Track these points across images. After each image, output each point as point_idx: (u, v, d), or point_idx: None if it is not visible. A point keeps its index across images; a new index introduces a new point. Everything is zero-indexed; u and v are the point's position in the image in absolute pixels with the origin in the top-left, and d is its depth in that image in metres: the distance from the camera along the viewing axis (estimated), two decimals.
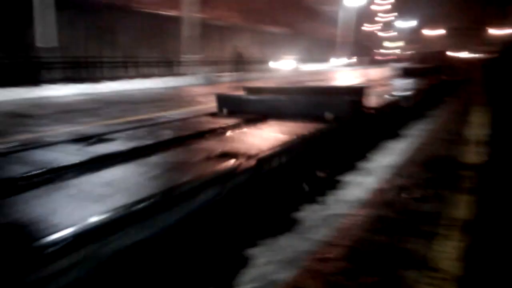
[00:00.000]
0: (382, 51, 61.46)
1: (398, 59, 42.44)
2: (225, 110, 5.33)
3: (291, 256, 3.14)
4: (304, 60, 33.73)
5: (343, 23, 40.77)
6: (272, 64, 30.53)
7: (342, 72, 29.68)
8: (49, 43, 14.38)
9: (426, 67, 16.43)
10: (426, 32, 72.20)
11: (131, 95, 12.30)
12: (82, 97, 11.22)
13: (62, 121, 7.10)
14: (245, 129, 4.23)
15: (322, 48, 44.68)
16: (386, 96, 7.14)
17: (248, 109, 5.12)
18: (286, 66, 30.41)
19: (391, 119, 6.96)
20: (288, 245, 3.40)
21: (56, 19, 14.98)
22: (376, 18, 61.01)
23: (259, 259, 3.22)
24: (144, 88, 14.04)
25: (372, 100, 5.77)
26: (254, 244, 3.51)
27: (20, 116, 7.91)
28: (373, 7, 57.70)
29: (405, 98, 7.56)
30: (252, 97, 5.68)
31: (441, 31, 70.84)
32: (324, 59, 38.60)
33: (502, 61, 9.09)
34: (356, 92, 5.33)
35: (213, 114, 5.29)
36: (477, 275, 2.43)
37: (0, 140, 5.66)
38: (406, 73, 14.87)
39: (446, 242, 2.84)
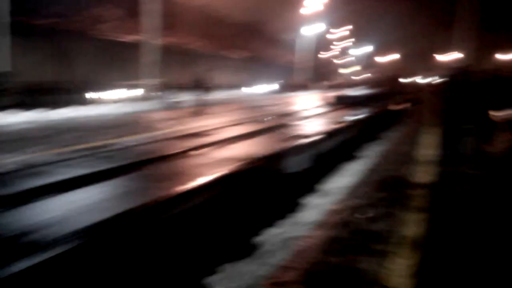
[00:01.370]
0: (337, 77, 63.93)
1: (348, 84, 43.72)
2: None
3: (248, 282, 3.11)
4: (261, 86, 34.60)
5: (300, 50, 42.17)
6: (232, 90, 30.91)
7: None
8: (1, 68, 13.87)
9: (368, 94, 16.88)
10: (379, 58, 75.88)
11: (86, 121, 11.94)
12: (32, 125, 10.77)
13: (6, 151, 6.74)
14: None
15: (282, 73, 45.83)
16: None
17: None
18: (245, 91, 30.95)
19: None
20: (246, 270, 3.36)
21: (11, 44, 14.47)
22: (332, 46, 63.63)
23: None
24: (101, 114, 13.70)
25: None
26: (212, 272, 3.46)
27: None
28: (329, 36, 60.23)
29: None
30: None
31: (395, 56, 74.86)
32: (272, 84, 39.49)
33: (448, 86, 9.70)
34: None
35: None
36: None
37: None
38: (340, 102, 15.04)
39: (397, 259, 2.91)
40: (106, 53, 21.31)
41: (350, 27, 62.70)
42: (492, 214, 4.02)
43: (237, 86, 30.88)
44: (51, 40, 18.10)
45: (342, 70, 68.03)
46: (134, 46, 22.36)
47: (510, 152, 7.50)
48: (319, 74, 53.05)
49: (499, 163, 6.77)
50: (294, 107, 17.60)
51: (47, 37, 17.93)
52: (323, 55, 60.50)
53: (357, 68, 68.29)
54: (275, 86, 34.27)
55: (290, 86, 36.96)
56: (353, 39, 65.94)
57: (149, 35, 17.72)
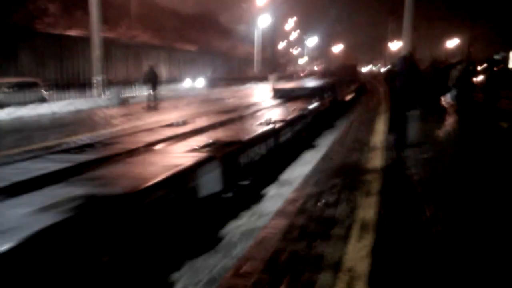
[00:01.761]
0: (294, 68, 64.66)
1: (299, 75, 43.67)
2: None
3: (211, 275, 3.13)
4: (221, 78, 34.04)
5: (258, 41, 42.10)
6: (185, 83, 30.31)
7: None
8: None
9: (316, 85, 13.84)
10: (334, 48, 77.58)
11: (36, 120, 11.37)
12: None
13: None
14: None
15: (240, 65, 45.68)
16: None
17: None
18: (198, 84, 30.31)
19: None
20: (210, 264, 3.39)
21: None
22: (288, 38, 64.29)
23: (180, 282, 3.16)
24: (50, 113, 13.09)
25: None
26: (177, 267, 3.45)
27: None
28: (286, 26, 60.77)
29: None
30: None
31: (342, 46, 76.76)
32: (242, 77, 39.26)
33: (389, 75, 10.17)
34: None
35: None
36: (382, 270, 2.65)
37: None
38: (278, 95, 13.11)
39: (353, 242, 3.05)
40: (54, 49, 20.27)
41: (295, 18, 63.36)
42: (438, 194, 4.30)
43: (179, 80, 30.00)
44: None
45: (300, 60, 68.86)
46: (82, 41, 21.45)
47: (453, 135, 7.99)
48: (277, 65, 53.39)
49: (444, 146, 7.20)
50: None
51: None
52: (278, 46, 60.93)
53: (306, 58, 69.20)
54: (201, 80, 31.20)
55: (224, 79, 33.90)
56: (298, 31, 66.68)
57: (97, 28, 16.97)
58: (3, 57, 17.56)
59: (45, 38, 19.83)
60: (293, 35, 65.37)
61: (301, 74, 43.83)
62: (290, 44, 66.39)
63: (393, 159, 5.93)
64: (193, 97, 20.65)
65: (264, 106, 11.22)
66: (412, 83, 6.51)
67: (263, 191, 5.22)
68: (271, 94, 14.59)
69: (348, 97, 16.86)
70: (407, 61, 6.74)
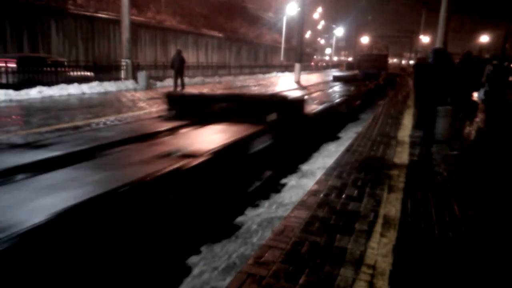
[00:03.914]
0: (321, 57, 63.82)
1: (327, 65, 43.24)
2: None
3: (231, 261, 3.15)
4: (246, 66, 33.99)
5: (285, 30, 41.56)
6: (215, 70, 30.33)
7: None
8: None
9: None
10: (362, 39, 75.88)
11: (65, 100, 11.65)
12: (12, 103, 10.46)
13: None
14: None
15: (266, 54, 45.34)
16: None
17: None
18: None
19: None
20: (230, 250, 3.40)
21: None
22: (316, 27, 63.34)
23: (199, 267, 3.19)
24: (80, 93, 13.38)
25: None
26: (196, 251, 3.49)
27: None
28: (314, 16, 59.84)
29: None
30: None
31: (372, 37, 74.82)
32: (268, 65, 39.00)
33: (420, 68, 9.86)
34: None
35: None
36: (405, 268, 2.59)
37: None
38: None
39: (377, 238, 3.00)
40: (85, 30, 20.61)
41: (322, 8, 62.29)
42: (467, 192, 4.16)
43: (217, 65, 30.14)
44: (26, 16, 17.38)
45: (327, 50, 67.83)
46: (113, 23, 21.70)
47: (484, 133, 7.72)
48: (304, 54, 52.78)
49: (474, 143, 6.97)
50: None
51: (22, 13, 17.20)
52: (306, 34, 60.28)
53: (332, 49, 67.98)
54: None
55: (249, 66, 34.56)
56: (323, 21, 65.51)
57: (128, 12, 17.11)
58: (36, 37, 17.98)
59: (76, 19, 20.15)
60: (321, 24, 64.32)
61: (312, 64, 43.32)
62: (317, 34, 65.39)
63: (420, 155, 5.78)
64: (218, 84, 20.71)
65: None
66: (444, 77, 6.30)
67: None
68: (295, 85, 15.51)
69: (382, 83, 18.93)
70: (440, 54, 6.51)
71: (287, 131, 6.29)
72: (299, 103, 7.34)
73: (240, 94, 9.41)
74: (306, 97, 9.64)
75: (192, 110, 6.73)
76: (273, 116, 6.14)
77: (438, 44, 16.54)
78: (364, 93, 13.01)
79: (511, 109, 10.32)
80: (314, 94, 13.15)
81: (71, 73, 14.87)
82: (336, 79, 21.84)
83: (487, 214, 3.59)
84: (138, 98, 12.49)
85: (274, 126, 5.95)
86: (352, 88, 15.23)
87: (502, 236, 3.14)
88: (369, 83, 19.19)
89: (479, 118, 9.94)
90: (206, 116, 6.36)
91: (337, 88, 16.39)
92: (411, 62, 57.56)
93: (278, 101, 6.69)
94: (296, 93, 11.62)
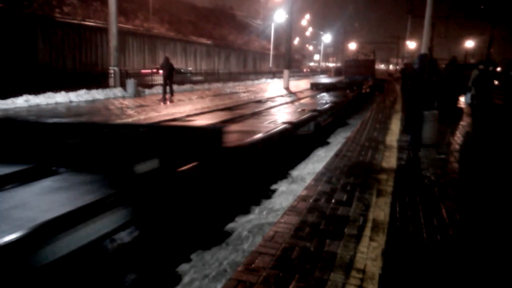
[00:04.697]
0: (309, 64, 64.34)
1: (312, 71, 43.44)
2: None
3: (222, 268, 3.13)
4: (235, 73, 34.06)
5: (274, 36, 41.86)
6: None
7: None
8: None
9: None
10: (350, 45, 76.70)
11: (53, 108, 11.53)
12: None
13: None
14: None
15: (255, 60, 45.52)
16: None
17: None
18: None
19: None
20: (220, 257, 3.39)
21: None
22: (304, 34, 63.96)
23: (189, 274, 3.17)
24: (67, 101, 13.25)
25: None
26: (186, 259, 3.47)
27: None
28: (302, 23, 60.40)
29: None
30: None
31: (356, 44, 75.83)
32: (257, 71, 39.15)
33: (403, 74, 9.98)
34: None
35: None
36: (394, 272, 2.60)
37: None
38: None
39: (366, 242, 3.01)
40: (72, 38, 20.45)
41: (310, 15, 62.95)
42: (454, 196, 4.22)
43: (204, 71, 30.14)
44: (12, 24, 17.18)
45: (315, 56, 68.45)
46: (100, 31, 21.59)
47: (471, 137, 7.83)
48: (292, 60, 53.14)
49: (461, 147, 7.07)
50: None
51: (8, 22, 17.01)
52: (294, 41, 60.72)
53: (320, 55, 68.57)
54: None
55: (238, 73, 33.68)
56: (311, 28, 66.17)
57: (115, 20, 17.05)
58: (22, 46, 17.78)
59: (64, 27, 20.01)
60: (309, 31, 64.92)
61: (305, 70, 43.53)
62: (306, 40, 65.97)
63: (408, 159, 5.84)
64: (207, 90, 20.69)
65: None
66: (430, 83, 6.39)
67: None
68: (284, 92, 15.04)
69: (368, 91, 18.35)
70: (425, 59, 6.61)
71: (175, 198, 3.43)
72: (210, 136, 3.97)
73: (99, 123, 6.21)
74: (227, 126, 6.23)
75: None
76: (151, 165, 3.52)
77: (423, 50, 16.81)
78: (337, 109, 11.33)
79: (497, 113, 10.49)
80: (303, 101, 13.22)
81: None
82: (315, 87, 19.49)
83: (474, 217, 3.64)
84: (126, 106, 12.42)
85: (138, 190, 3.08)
86: (330, 99, 13.76)
87: (490, 239, 3.18)
88: (350, 92, 17.30)
89: (465, 122, 10.10)
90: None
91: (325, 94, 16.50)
92: (398, 67, 58.35)
93: (165, 135, 3.99)
94: (213, 119, 8.63)
